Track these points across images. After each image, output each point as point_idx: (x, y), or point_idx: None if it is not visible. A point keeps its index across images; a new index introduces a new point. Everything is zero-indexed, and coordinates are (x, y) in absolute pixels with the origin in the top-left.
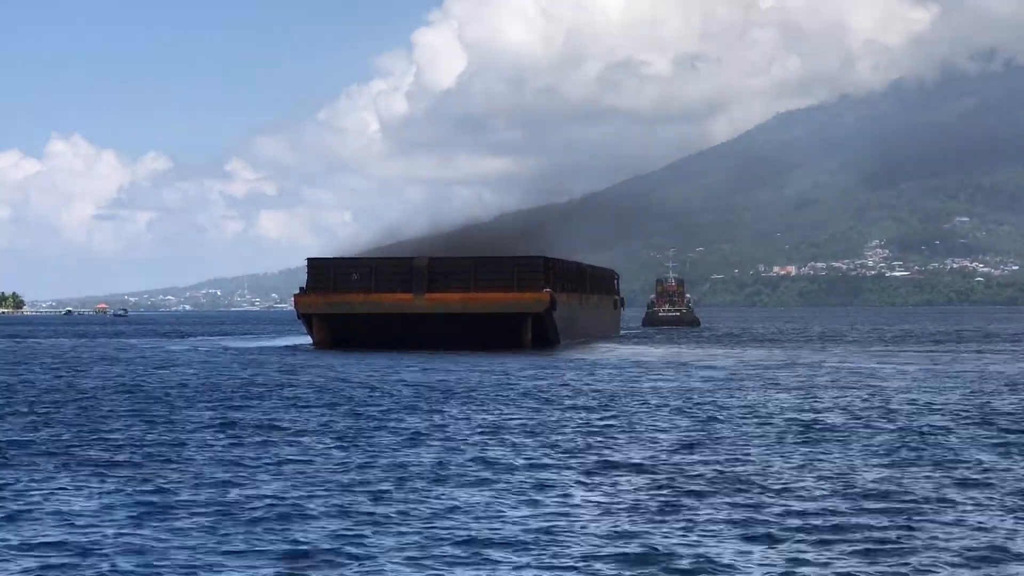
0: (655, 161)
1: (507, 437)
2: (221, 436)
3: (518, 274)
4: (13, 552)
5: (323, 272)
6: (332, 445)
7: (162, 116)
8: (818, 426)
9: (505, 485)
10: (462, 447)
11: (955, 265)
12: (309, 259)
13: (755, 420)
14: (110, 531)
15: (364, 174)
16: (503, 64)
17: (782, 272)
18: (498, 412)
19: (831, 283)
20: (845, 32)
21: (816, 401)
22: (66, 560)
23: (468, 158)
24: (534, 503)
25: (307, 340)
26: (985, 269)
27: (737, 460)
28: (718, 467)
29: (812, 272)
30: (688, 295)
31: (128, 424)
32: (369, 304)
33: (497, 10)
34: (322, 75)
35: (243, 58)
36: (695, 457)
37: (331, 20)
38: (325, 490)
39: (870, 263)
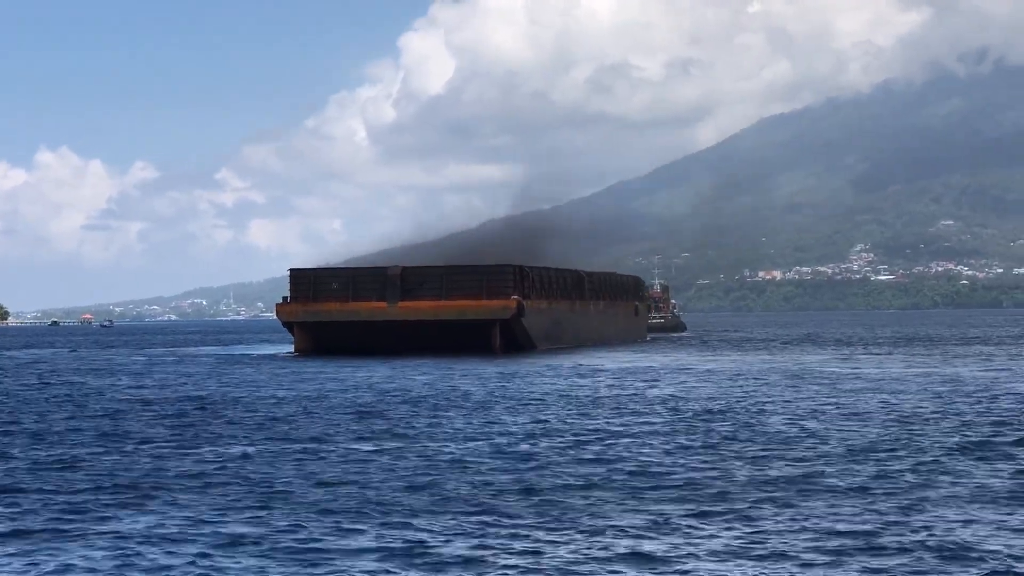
0: (642, 166)
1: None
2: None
3: (488, 282)
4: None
5: (304, 282)
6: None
7: (149, 126)
8: None
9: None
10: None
11: (940, 268)
12: (291, 269)
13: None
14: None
15: (353, 182)
16: (491, 69)
17: (768, 277)
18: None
19: (816, 287)
20: (833, 35)
21: None
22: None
23: (457, 165)
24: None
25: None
26: (970, 272)
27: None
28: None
29: (797, 276)
30: (673, 301)
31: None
32: (346, 312)
33: (484, 15)
34: (309, 83)
35: (230, 67)
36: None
37: (317, 28)
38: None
39: (855, 267)
